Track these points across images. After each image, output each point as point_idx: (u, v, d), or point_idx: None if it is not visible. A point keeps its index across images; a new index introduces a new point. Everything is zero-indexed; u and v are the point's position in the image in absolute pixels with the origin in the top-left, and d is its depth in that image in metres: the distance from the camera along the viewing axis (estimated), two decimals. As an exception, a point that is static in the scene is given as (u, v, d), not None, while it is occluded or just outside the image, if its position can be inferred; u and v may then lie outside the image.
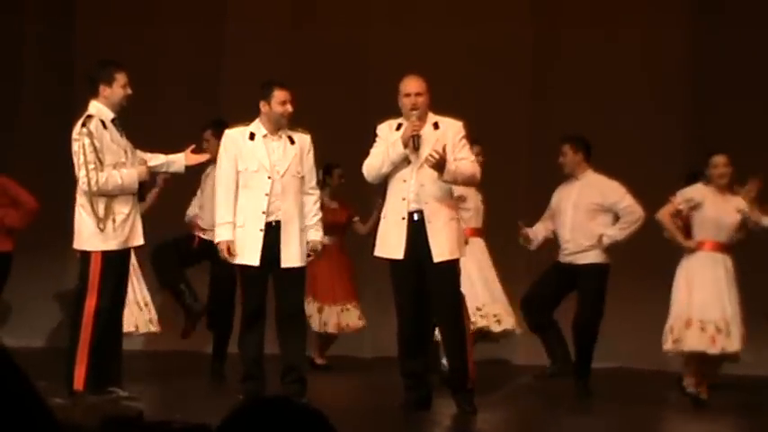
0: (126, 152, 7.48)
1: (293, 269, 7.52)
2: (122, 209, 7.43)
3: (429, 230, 7.26)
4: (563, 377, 8.56)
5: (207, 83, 10.89)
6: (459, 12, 10.64)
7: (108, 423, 3.00)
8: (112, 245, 7.42)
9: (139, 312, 8.89)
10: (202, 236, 9.04)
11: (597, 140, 8.81)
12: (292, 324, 7.61)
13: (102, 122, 7.38)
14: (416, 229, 7.29)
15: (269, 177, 7.48)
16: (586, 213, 8.59)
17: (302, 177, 7.58)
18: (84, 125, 7.36)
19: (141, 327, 8.88)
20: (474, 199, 8.77)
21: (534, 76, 10.38)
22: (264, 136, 7.55)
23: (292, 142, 7.58)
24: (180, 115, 9.31)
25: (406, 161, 7.32)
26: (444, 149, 7.16)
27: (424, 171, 7.27)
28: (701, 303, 8.10)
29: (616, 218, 8.59)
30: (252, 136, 7.55)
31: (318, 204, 7.72)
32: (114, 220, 7.41)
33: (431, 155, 7.13)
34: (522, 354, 10.09)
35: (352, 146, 8.90)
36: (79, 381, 7.38)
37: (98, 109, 7.43)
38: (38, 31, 11.04)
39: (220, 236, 7.55)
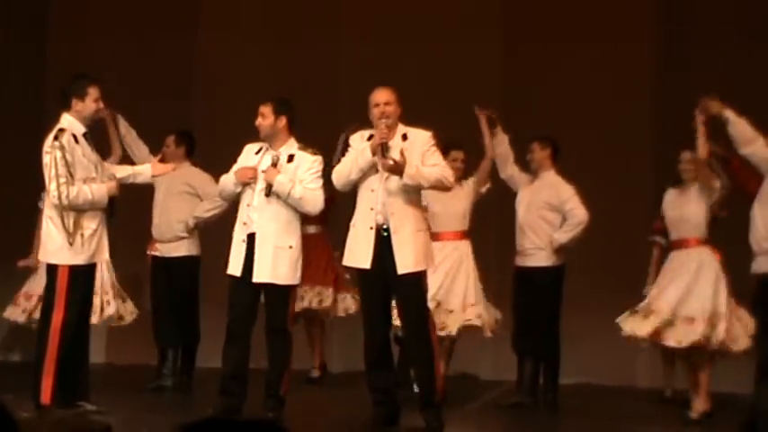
0: (96, 167, 7.48)
1: (274, 288, 7.51)
2: (90, 224, 7.42)
3: (394, 241, 7.26)
4: (521, 407, 8.60)
5: (179, 94, 10.87)
6: (429, 26, 10.66)
7: (75, 437, 3.01)
8: (80, 259, 7.41)
9: (123, 304, 9.07)
10: (155, 253, 9.05)
11: (565, 151, 8.86)
12: (272, 340, 7.61)
13: (74, 136, 7.37)
14: (384, 240, 7.30)
15: (251, 188, 7.55)
16: (537, 213, 8.63)
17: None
18: (56, 138, 7.35)
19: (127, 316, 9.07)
20: (463, 201, 8.76)
21: (504, 90, 10.41)
22: (266, 149, 7.60)
23: (290, 160, 7.59)
24: (152, 126, 9.29)
25: (374, 170, 7.33)
26: (402, 154, 7.17)
27: (390, 181, 7.28)
28: (680, 300, 8.11)
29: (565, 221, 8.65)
30: (259, 150, 7.64)
31: (313, 189, 7.58)
32: (83, 235, 7.39)
33: (384, 162, 7.17)
34: (490, 369, 10.11)
35: (325, 152, 8.94)
36: (46, 394, 7.32)
37: (69, 122, 7.43)
38: (8, 42, 10.99)
39: (229, 176, 7.61)
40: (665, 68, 10.27)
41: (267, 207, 7.52)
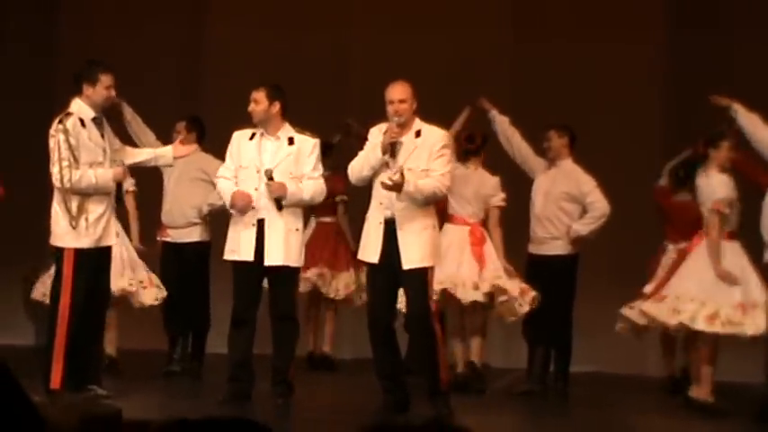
0: (105, 152, 7.47)
1: (285, 271, 7.54)
2: (96, 208, 7.43)
3: (400, 237, 7.28)
4: (531, 395, 8.60)
5: (189, 81, 10.86)
6: (440, 16, 10.64)
7: (86, 422, 3.01)
8: (85, 243, 7.42)
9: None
10: (166, 239, 9.06)
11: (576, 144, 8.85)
12: (280, 326, 7.64)
13: (82, 121, 7.38)
14: (392, 234, 7.31)
15: (257, 172, 7.57)
16: (556, 202, 8.60)
17: (295, 179, 7.61)
18: (60, 122, 7.37)
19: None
20: (477, 186, 8.72)
21: (512, 84, 10.38)
22: (262, 134, 7.63)
23: (291, 143, 7.63)
24: (162, 113, 9.29)
25: (385, 166, 7.32)
26: (402, 174, 7.15)
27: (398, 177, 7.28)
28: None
29: (584, 212, 8.62)
30: (252, 136, 7.66)
31: (315, 184, 7.66)
32: (87, 219, 7.40)
33: (383, 182, 7.17)
34: (501, 357, 10.09)
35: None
36: (56, 379, 7.37)
37: (79, 107, 7.44)
38: (20, 28, 10.99)
39: (227, 190, 7.66)
40: (674, 61, 10.23)
41: (273, 200, 7.56)
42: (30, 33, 10.97)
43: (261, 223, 7.54)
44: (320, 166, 7.73)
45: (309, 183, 7.65)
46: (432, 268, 7.41)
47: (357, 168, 7.42)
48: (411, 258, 7.27)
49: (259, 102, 7.64)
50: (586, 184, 8.57)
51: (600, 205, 8.52)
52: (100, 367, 7.68)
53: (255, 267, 7.55)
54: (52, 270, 8.98)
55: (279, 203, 7.52)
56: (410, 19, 10.66)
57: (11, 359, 2.14)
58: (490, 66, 10.44)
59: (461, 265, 8.57)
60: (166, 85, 10.72)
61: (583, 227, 8.52)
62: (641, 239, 9.38)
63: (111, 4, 10.99)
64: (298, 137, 7.67)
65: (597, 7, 10.47)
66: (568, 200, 8.59)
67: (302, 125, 7.82)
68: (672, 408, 8.29)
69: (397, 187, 7.15)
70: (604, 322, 9.05)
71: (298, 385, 7.80)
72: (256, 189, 7.56)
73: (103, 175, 7.43)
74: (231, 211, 7.66)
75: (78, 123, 7.37)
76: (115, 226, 7.68)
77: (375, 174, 7.35)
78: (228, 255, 7.67)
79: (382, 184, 7.21)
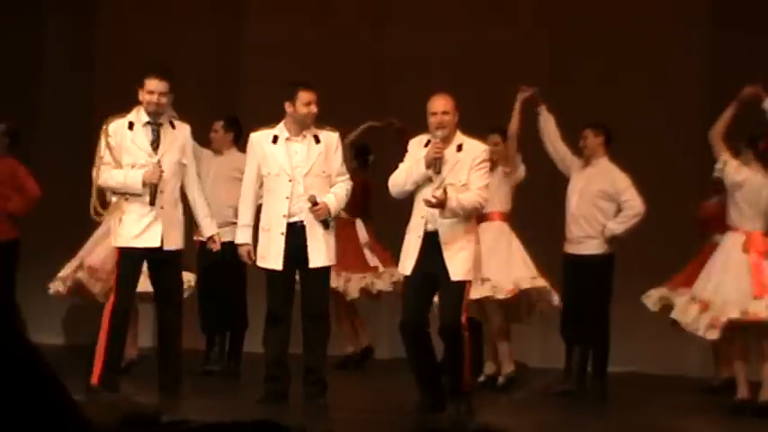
0: (150, 156, 7.54)
1: (319, 270, 7.58)
2: (134, 208, 7.52)
3: (444, 251, 7.26)
4: (568, 395, 8.57)
5: (227, 79, 10.90)
6: (476, 12, 10.61)
7: (127, 421, 3.02)
8: (121, 242, 7.59)
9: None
10: (202, 239, 9.06)
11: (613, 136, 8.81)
12: (314, 325, 7.65)
13: (131, 124, 7.54)
14: (432, 248, 7.28)
15: (289, 180, 7.53)
16: (591, 201, 8.56)
17: (328, 176, 7.62)
18: (105, 123, 7.60)
19: None
20: (502, 184, 8.70)
21: (550, 76, 10.34)
22: (287, 138, 7.60)
23: (317, 141, 7.60)
24: (198, 111, 9.33)
25: (428, 180, 7.31)
26: (445, 191, 7.15)
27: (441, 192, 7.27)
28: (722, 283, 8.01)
29: (619, 210, 8.57)
30: (275, 139, 7.61)
31: (345, 186, 7.68)
32: (121, 219, 7.54)
33: (426, 200, 7.17)
34: (538, 357, 10.07)
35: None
36: (95, 376, 7.50)
37: (136, 110, 7.62)
38: (59, 27, 11.06)
39: (240, 238, 7.69)
40: (712, 54, 10.16)
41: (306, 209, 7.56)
42: (68, 35, 11.03)
43: (290, 228, 7.53)
44: (344, 165, 7.74)
45: (341, 188, 7.64)
46: (470, 283, 7.43)
47: (400, 183, 7.40)
48: (457, 271, 7.26)
49: (317, 103, 7.59)
50: (621, 182, 8.53)
51: (634, 203, 8.47)
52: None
53: (287, 272, 7.59)
54: (67, 266, 9.05)
55: (326, 223, 7.56)
56: (446, 15, 10.64)
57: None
58: (526, 62, 10.40)
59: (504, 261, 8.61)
60: (204, 84, 10.74)
61: (617, 225, 8.48)
62: (677, 239, 9.32)
63: (149, 4, 11.02)
64: (322, 134, 7.65)
65: (635, 3, 10.42)
66: (604, 198, 8.55)
67: (337, 122, 7.82)
68: (709, 409, 8.24)
69: (440, 204, 7.15)
70: (641, 322, 9.02)
71: (334, 385, 7.80)
72: (288, 198, 7.54)
73: (134, 176, 7.49)
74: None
75: (124, 126, 7.55)
76: (170, 229, 7.65)
77: (417, 188, 7.34)
78: (260, 262, 7.69)
79: (426, 201, 7.20)
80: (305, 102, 7.53)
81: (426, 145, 7.36)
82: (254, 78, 10.78)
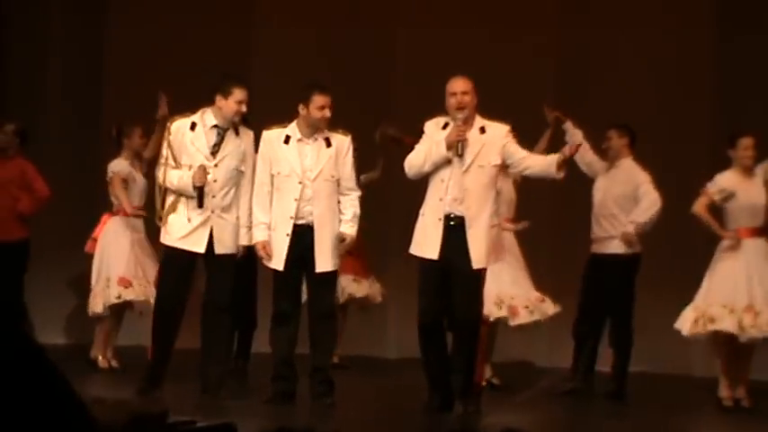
0: (207, 159, 7.55)
1: (326, 272, 7.58)
2: (185, 209, 7.57)
3: (469, 236, 7.22)
4: (576, 394, 8.56)
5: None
6: (487, 15, 10.61)
7: (134, 421, 3.04)
8: (168, 240, 7.66)
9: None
10: None
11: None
12: (321, 326, 7.65)
13: (194, 124, 7.58)
14: (452, 233, 7.25)
15: (299, 182, 7.51)
16: (614, 201, 8.56)
17: (337, 181, 7.60)
18: (170, 122, 7.74)
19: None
20: (508, 190, 8.70)
21: (556, 81, 10.35)
22: (299, 140, 7.58)
23: (328, 145, 7.59)
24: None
25: (448, 162, 7.29)
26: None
27: (469, 175, 7.25)
28: (731, 289, 8.02)
29: None
30: (287, 139, 7.58)
31: (356, 204, 7.66)
32: (167, 219, 7.62)
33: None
34: (546, 356, 10.07)
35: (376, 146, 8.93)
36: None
37: (203, 112, 7.65)
38: (67, 29, 11.08)
39: (257, 237, 7.63)
40: (724, 55, 10.15)
41: (321, 199, 7.53)
42: (78, 35, 11.04)
43: (297, 229, 7.52)
44: (353, 170, 7.70)
45: (351, 205, 7.61)
46: (487, 270, 7.40)
47: (418, 164, 7.36)
48: (479, 259, 7.24)
49: (331, 107, 7.59)
50: (640, 177, 8.54)
51: (651, 196, 8.46)
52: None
53: (293, 273, 7.58)
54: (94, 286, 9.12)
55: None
56: (455, 16, 10.64)
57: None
58: (534, 62, 10.40)
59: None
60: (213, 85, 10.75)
61: (638, 216, 8.45)
62: (690, 240, 9.31)
63: (158, 6, 11.03)
64: (333, 137, 7.63)
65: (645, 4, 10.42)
66: (627, 198, 8.55)
67: (346, 123, 7.81)
68: (714, 408, 8.24)
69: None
70: (647, 322, 9.00)
71: (342, 385, 7.80)
72: (296, 199, 7.50)
73: (184, 176, 7.55)
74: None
75: (186, 126, 7.58)
76: (221, 233, 7.63)
77: (435, 170, 7.32)
78: (264, 260, 7.68)
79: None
80: (319, 105, 7.51)
81: (444, 127, 7.34)
82: (263, 79, 10.78)
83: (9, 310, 8.97)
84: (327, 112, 7.54)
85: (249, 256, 9.10)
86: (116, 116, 9.58)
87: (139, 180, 9.10)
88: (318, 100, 7.50)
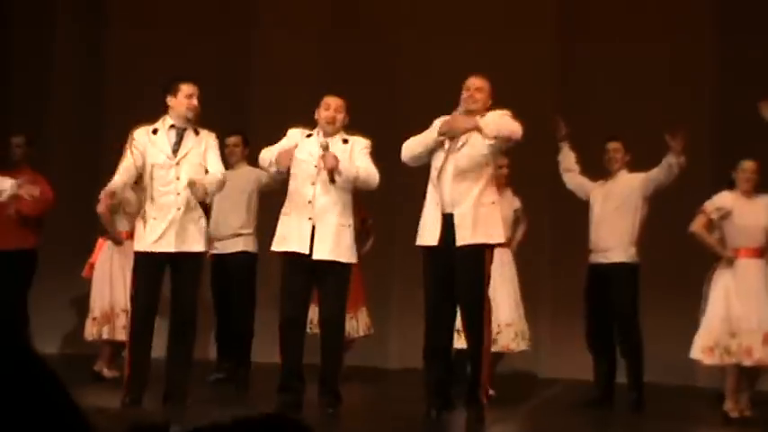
0: (169, 158, 7.58)
1: (334, 269, 7.44)
2: (154, 213, 7.55)
3: (456, 217, 7.27)
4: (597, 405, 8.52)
5: (236, 85, 10.91)
6: (487, 23, 10.62)
7: (135, 431, 3.00)
8: (139, 246, 7.62)
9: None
10: (213, 251, 9.05)
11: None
12: (327, 331, 7.54)
13: (155, 130, 7.64)
14: (446, 217, 7.30)
15: (315, 166, 7.49)
16: (614, 209, 8.55)
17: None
18: (134, 130, 7.71)
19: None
20: (505, 209, 8.67)
21: (556, 89, 10.35)
22: (319, 133, 7.58)
23: (345, 143, 7.60)
24: (208, 116, 9.34)
25: (441, 146, 7.37)
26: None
27: (457, 160, 7.31)
28: (742, 314, 8.01)
29: (645, 208, 8.55)
30: (309, 136, 7.61)
31: (371, 166, 7.56)
32: (145, 223, 7.57)
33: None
34: (548, 367, 10.06)
35: (379, 149, 8.91)
36: (124, 387, 7.64)
37: (162, 119, 7.70)
38: (69, 32, 11.11)
39: (273, 151, 7.59)
40: (723, 66, 10.15)
41: (327, 195, 7.46)
42: (79, 37, 11.08)
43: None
44: (371, 160, 7.62)
45: (363, 161, 7.55)
46: (492, 252, 7.36)
47: (411, 146, 7.47)
48: (464, 236, 7.23)
49: (342, 111, 7.63)
50: (638, 178, 8.56)
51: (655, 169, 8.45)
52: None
53: (306, 264, 7.40)
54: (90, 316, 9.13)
55: (332, 175, 7.40)
56: (456, 25, 10.65)
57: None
58: (534, 71, 10.41)
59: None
60: (215, 96, 10.76)
61: (658, 172, 8.43)
62: (695, 252, 9.30)
63: (158, 12, 11.05)
64: (351, 138, 7.65)
65: (644, 8, 10.41)
66: (625, 202, 8.55)
67: (349, 126, 7.85)
68: (719, 419, 8.22)
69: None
70: (650, 332, 9.00)
71: (345, 395, 7.76)
72: (313, 184, 7.46)
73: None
74: (272, 169, 7.62)
75: (147, 132, 7.65)
76: (184, 232, 7.61)
77: (431, 156, 7.38)
78: (278, 245, 7.53)
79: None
80: (324, 107, 7.62)
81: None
82: (265, 83, 10.80)
83: (11, 317, 8.98)
84: (331, 113, 7.60)
85: (247, 267, 9.13)
86: (117, 117, 9.60)
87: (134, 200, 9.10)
88: (325, 102, 7.63)
